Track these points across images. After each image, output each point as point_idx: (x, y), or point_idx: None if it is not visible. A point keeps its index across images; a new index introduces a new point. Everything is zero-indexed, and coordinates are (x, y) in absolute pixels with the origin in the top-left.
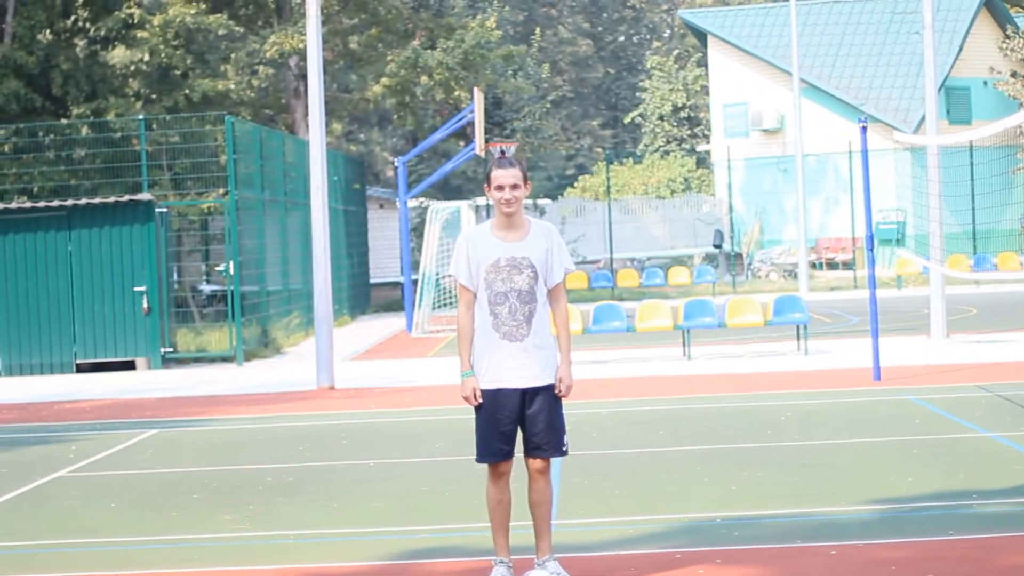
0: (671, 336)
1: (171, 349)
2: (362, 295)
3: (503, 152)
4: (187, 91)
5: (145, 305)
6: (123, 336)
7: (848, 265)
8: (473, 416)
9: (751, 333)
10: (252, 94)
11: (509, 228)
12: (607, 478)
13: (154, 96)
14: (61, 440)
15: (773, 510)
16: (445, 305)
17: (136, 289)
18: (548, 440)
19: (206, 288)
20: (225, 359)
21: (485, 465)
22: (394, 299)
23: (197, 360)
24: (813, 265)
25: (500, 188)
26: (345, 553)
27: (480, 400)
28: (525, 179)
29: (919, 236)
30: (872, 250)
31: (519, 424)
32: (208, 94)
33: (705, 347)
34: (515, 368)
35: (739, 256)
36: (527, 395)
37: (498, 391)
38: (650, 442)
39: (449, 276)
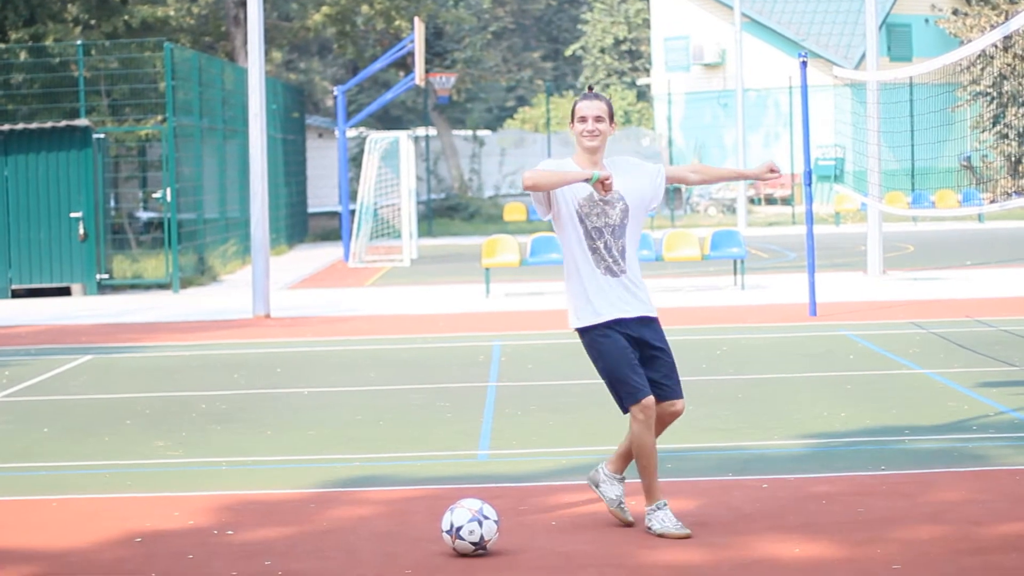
0: None
1: (107, 276)
2: (300, 224)
3: (591, 87)
4: (126, 17)
5: (81, 231)
6: (59, 262)
7: (787, 201)
8: None
9: (688, 267)
10: (192, 21)
11: (590, 164)
12: (541, 409)
13: (93, 22)
14: None
15: (706, 443)
16: (383, 235)
17: (72, 215)
18: (674, 378)
19: (143, 215)
20: (161, 286)
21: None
22: (331, 229)
23: (133, 287)
24: (751, 200)
25: (583, 119)
26: (278, 480)
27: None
28: (611, 116)
29: (858, 172)
30: (810, 186)
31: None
32: (147, 20)
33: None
34: (626, 299)
35: (678, 190)
36: (642, 328)
37: (618, 320)
38: (585, 374)
39: (386, 207)
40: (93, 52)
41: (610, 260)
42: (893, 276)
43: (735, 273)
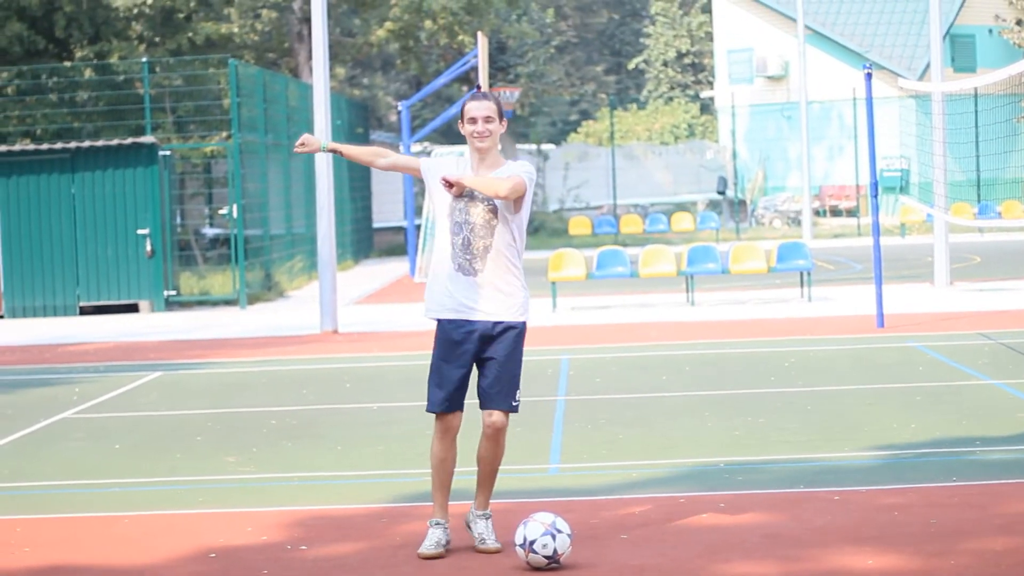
0: (675, 282)
1: (174, 292)
2: (365, 240)
3: (479, 87)
4: (190, 34)
5: (148, 248)
6: (126, 279)
7: (852, 212)
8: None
9: (755, 280)
10: (255, 37)
11: (481, 165)
12: (611, 423)
13: (157, 39)
14: (64, 382)
15: (776, 455)
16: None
17: (139, 232)
18: (500, 391)
19: (209, 231)
20: (228, 302)
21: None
22: (397, 244)
23: (200, 303)
24: (817, 212)
25: (473, 120)
26: (349, 495)
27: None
28: (500, 115)
29: (923, 184)
30: (876, 197)
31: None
32: (211, 37)
33: (709, 293)
34: (471, 300)
35: (743, 203)
36: (484, 335)
37: (452, 321)
38: (654, 387)
39: None
40: (158, 69)
41: (466, 258)
42: (960, 287)
43: (802, 285)
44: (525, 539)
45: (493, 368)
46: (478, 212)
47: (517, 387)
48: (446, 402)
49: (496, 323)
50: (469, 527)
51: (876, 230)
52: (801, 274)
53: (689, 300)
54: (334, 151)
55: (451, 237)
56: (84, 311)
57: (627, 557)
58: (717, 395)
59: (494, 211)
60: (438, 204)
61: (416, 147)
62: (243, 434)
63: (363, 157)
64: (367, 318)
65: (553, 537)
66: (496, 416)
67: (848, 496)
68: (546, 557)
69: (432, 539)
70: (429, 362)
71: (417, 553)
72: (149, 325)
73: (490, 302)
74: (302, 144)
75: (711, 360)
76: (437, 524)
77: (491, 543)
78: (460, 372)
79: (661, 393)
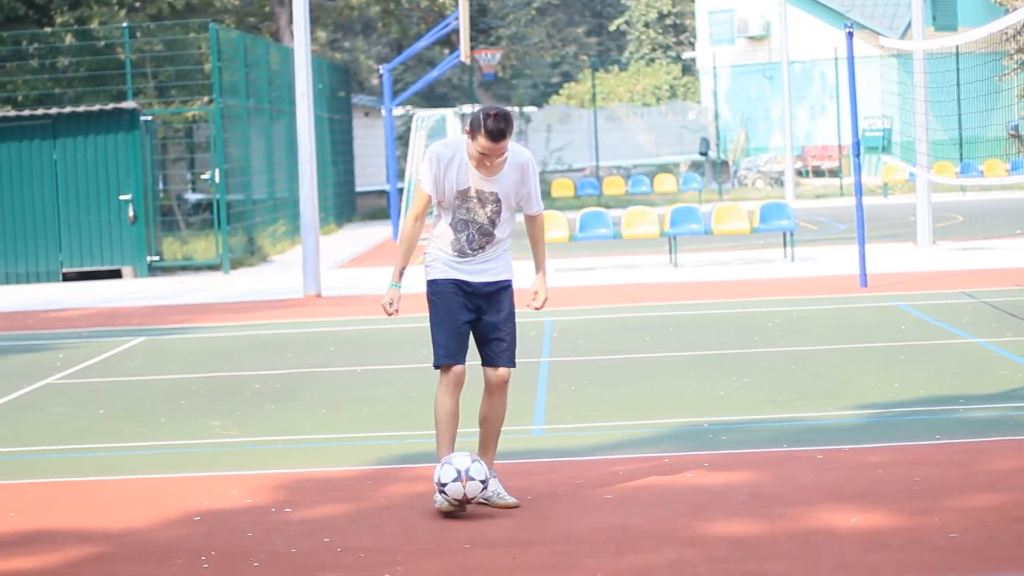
0: (658, 243)
1: (157, 258)
2: (348, 203)
3: (497, 112)
4: None
5: (131, 213)
6: (109, 245)
7: (834, 173)
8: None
9: (738, 240)
10: (236, 2)
11: (484, 165)
12: (595, 384)
13: (138, 4)
14: (48, 348)
15: (760, 415)
16: (431, 213)
17: (122, 197)
18: (505, 348)
19: (192, 197)
20: (211, 267)
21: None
22: (379, 207)
23: (183, 268)
24: (799, 173)
25: (486, 155)
26: (334, 458)
27: (395, 311)
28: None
29: (905, 143)
30: (858, 157)
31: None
32: (192, 2)
33: (692, 254)
34: (469, 274)
35: (725, 164)
36: (484, 296)
37: (454, 281)
38: (637, 348)
39: None
40: (138, 34)
41: (469, 248)
42: (943, 246)
43: (785, 246)
44: (439, 481)
45: (494, 327)
46: (484, 212)
47: (515, 343)
48: (457, 353)
49: (487, 283)
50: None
51: (858, 190)
52: (784, 234)
53: (672, 261)
54: (402, 274)
55: (454, 232)
56: (67, 277)
57: (612, 517)
58: (701, 355)
59: (499, 210)
60: (445, 195)
61: (398, 110)
62: (227, 398)
63: (414, 245)
64: (350, 282)
65: (461, 484)
66: (502, 370)
67: (832, 455)
68: (457, 500)
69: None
70: (427, 321)
71: (437, 507)
72: (132, 291)
73: (485, 273)
74: (395, 309)
75: (695, 321)
76: (449, 462)
77: (509, 497)
78: (464, 319)
79: (645, 354)
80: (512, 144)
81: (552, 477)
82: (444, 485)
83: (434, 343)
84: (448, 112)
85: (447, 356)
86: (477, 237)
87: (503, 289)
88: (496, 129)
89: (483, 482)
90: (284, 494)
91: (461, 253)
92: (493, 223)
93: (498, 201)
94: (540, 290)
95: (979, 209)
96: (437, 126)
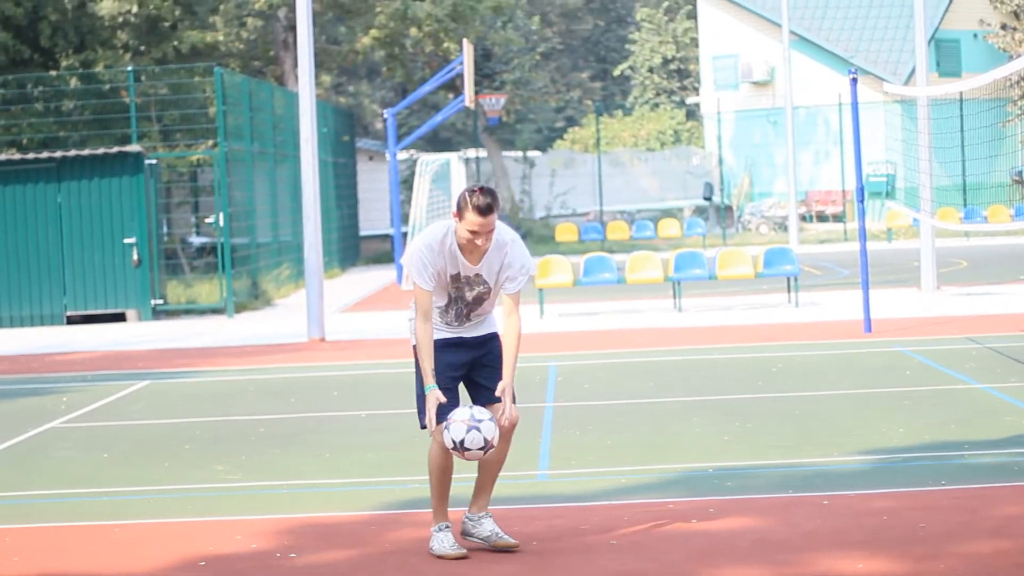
0: (662, 288)
1: (161, 301)
2: (352, 247)
3: (481, 188)
4: (176, 43)
5: (135, 257)
6: (113, 288)
7: (838, 218)
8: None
9: (742, 285)
10: (241, 46)
11: (471, 251)
12: (599, 429)
13: (143, 48)
14: (52, 392)
15: (765, 460)
16: None
17: (126, 241)
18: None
19: (196, 240)
20: (215, 311)
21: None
22: (384, 251)
23: (187, 312)
24: (803, 218)
25: (476, 234)
26: (338, 503)
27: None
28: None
29: (909, 189)
30: (862, 202)
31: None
32: (197, 46)
33: (696, 299)
34: (459, 332)
35: (729, 209)
36: (476, 345)
37: (442, 339)
38: (642, 393)
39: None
40: (143, 78)
41: (457, 321)
42: (947, 291)
43: (788, 290)
44: (454, 442)
45: (494, 372)
46: (473, 293)
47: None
48: (443, 414)
49: (477, 336)
50: (469, 534)
51: (863, 235)
52: (788, 279)
53: (676, 306)
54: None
55: (443, 309)
56: (71, 320)
57: (617, 563)
58: (705, 401)
59: (487, 290)
60: (439, 283)
61: (402, 154)
62: (231, 442)
63: (431, 342)
64: (354, 326)
65: (477, 430)
66: (514, 411)
67: (837, 500)
68: (480, 448)
69: (449, 540)
70: (414, 381)
71: (438, 555)
72: (136, 334)
73: (474, 330)
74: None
75: (699, 366)
76: (447, 527)
77: (508, 538)
78: (451, 374)
79: (649, 399)
80: (499, 224)
81: (556, 523)
82: (462, 442)
83: (418, 407)
84: (452, 156)
85: (433, 420)
86: (465, 311)
87: (494, 338)
88: (484, 204)
89: (491, 419)
90: (288, 539)
91: (448, 324)
92: (480, 301)
93: (485, 282)
94: (507, 392)
95: (983, 255)
96: (441, 170)
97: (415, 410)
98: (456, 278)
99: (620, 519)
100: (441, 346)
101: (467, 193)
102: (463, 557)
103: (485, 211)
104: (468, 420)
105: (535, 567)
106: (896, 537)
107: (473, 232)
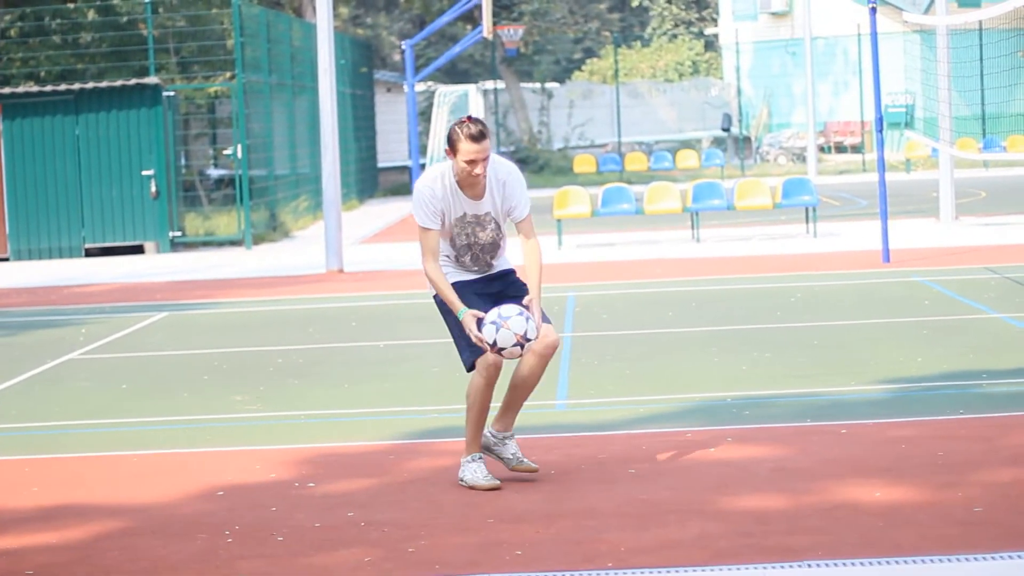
0: (680, 219)
1: (179, 233)
2: (370, 179)
3: (469, 117)
4: None
5: (153, 189)
6: (131, 220)
7: (857, 149)
8: None
9: (760, 216)
10: None
11: (472, 185)
12: (617, 358)
13: None
14: (71, 323)
15: (783, 390)
16: None
17: (144, 173)
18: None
19: (214, 172)
20: (233, 243)
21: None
22: (402, 183)
23: (205, 244)
24: (822, 149)
25: (472, 163)
26: (357, 433)
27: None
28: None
29: (928, 119)
30: (881, 132)
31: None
32: None
33: (714, 230)
34: (476, 275)
35: (747, 140)
36: (497, 278)
37: (461, 281)
38: (660, 323)
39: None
40: (161, 10)
41: (474, 268)
42: (966, 222)
43: (807, 221)
44: (495, 343)
45: (519, 299)
46: (486, 234)
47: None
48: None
49: (496, 272)
50: (490, 451)
51: (881, 165)
52: (806, 210)
53: (694, 236)
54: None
55: (456, 253)
56: (89, 252)
57: (636, 492)
58: (723, 330)
59: (498, 228)
60: (445, 224)
61: (420, 86)
62: (250, 373)
63: (443, 277)
64: (372, 257)
65: (507, 328)
66: (552, 335)
67: (855, 429)
68: (515, 345)
69: (483, 470)
70: (446, 327)
71: (470, 485)
72: (154, 266)
73: (492, 270)
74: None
75: (717, 296)
76: (480, 458)
77: (529, 462)
78: (482, 306)
79: (667, 329)
80: (494, 157)
81: (575, 452)
82: (495, 343)
83: (459, 348)
84: (470, 88)
85: (474, 353)
86: (481, 256)
87: (512, 272)
88: (476, 132)
89: (520, 314)
90: (307, 469)
91: (467, 269)
92: (496, 245)
93: (494, 220)
94: (537, 316)
95: (1002, 185)
96: (459, 102)
97: (433, 340)
98: (463, 219)
99: (639, 448)
100: (462, 287)
101: (456, 126)
102: (496, 488)
103: (478, 138)
104: (495, 319)
105: (554, 496)
106: (915, 466)
107: (470, 162)
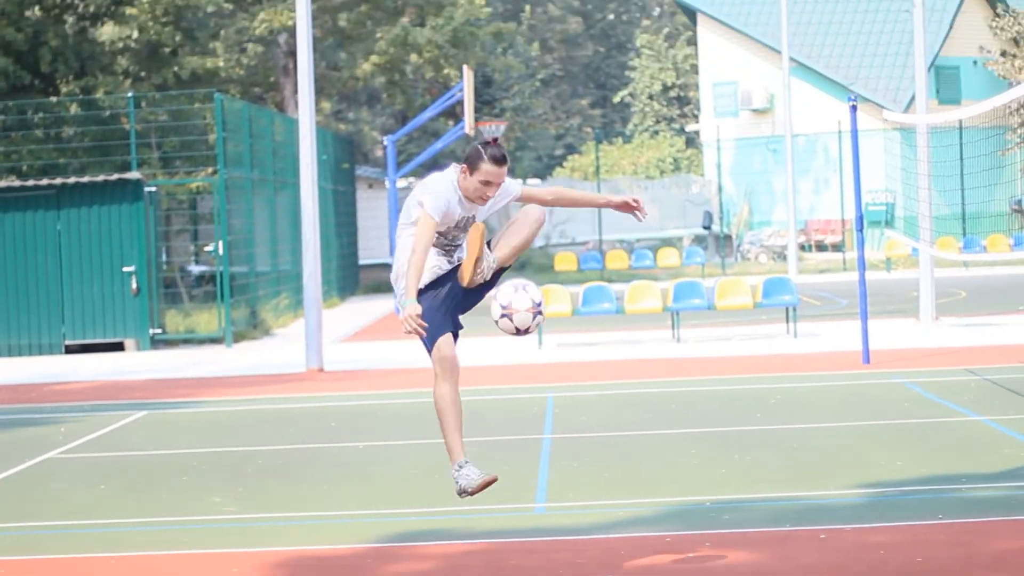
0: (661, 318)
1: (160, 330)
2: (351, 276)
3: (495, 139)
4: (176, 68)
5: (134, 286)
6: (112, 317)
7: (837, 247)
8: None
9: (740, 315)
10: (241, 72)
11: (477, 199)
12: (596, 461)
13: (143, 73)
14: (50, 422)
15: (763, 493)
16: None
17: (125, 269)
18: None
19: (195, 269)
20: (214, 340)
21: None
22: (383, 280)
23: (186, 341)
24: (802, 247)
25: (488, 184)
26: (335, 535)
27: (422, 329)
28: None
29: (908, 218)
30: (861, 231)
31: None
32: (197, 72)
33: (694, 329)
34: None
35: (728, 238)
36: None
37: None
38: (639, 425)
39: None
40: (143, 104)
41: (447, 260)
42: (946, 322)
43: (787, 321)
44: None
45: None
46: (464, 233)
47: None
48: (442, 324)
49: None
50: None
51: (862, 265)
52: (787, 310)
53: (675, 336)
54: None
55: (444, 253)
56: (69, 349)
57: None
58: (703, 433)
59: (473, 219)
60: (443, 225)
61: (402, 182)
62: (229, 474)
63: (423, 270)
64: (353, 356)
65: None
66: (534, 212)
67: (834, 534)
68: (532, 313)
69: (474, 471)
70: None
71: (466, 490)
72: (135, 363)
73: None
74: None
75: (697, 397)
76: (467, 462)
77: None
78: (446, 284)
79: (647, 431)
80: None
81: (554, 556)
82: (518, 330)
83: (431, 326)
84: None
85: (435, 332)
86: (456, 252)
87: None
88: (499, 154)
89: (515, 289)
90: (285, 572)
91: (440, 268)
92: (465, 228)
93: (474, 217)
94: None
95: (982, 285)
96: None
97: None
98: (458, 224)
99: (617, 552)
100: (437, 280)
101: (481, 146)
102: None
103: (501, 161)
104: (500, 311)
105: None
106: (893, 572)
107: (486, 183)
